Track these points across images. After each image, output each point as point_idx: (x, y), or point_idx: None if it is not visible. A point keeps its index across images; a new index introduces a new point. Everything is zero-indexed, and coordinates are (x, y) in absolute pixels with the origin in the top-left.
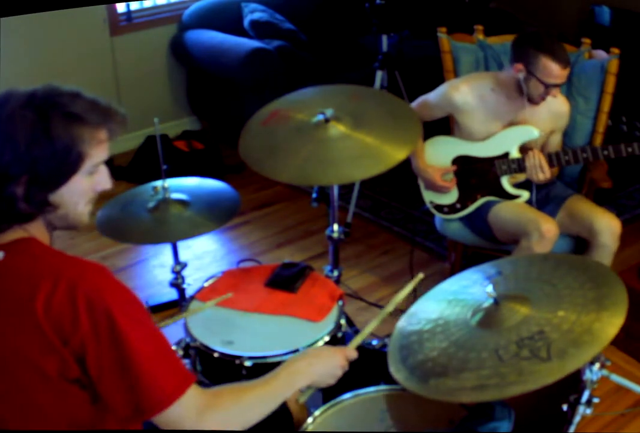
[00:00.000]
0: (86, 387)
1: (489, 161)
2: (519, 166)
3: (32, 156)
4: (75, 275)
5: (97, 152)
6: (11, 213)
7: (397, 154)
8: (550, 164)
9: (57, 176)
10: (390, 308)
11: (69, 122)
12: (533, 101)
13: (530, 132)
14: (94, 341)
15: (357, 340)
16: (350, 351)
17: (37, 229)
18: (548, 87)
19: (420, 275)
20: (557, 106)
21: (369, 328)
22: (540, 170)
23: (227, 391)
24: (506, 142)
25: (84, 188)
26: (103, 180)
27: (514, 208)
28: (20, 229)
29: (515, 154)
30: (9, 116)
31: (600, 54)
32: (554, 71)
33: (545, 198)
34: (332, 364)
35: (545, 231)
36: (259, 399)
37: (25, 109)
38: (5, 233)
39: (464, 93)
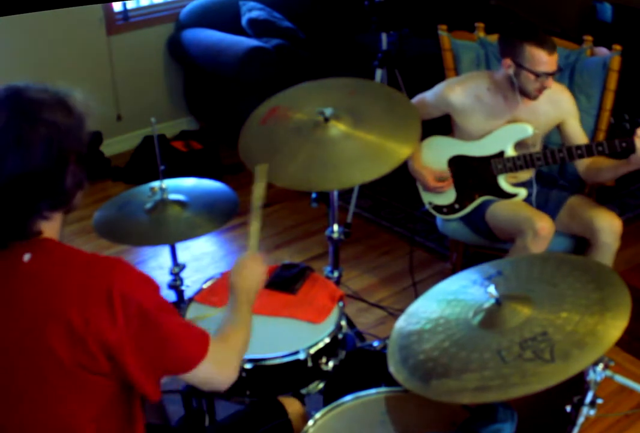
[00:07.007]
0: (114, 379)
1: (485, 160)
2: (515, 164)
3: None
4: (106, 275)
5: None
6: (56, 192)
7: (400, 152)
8: (545, 162)
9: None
10: (257, 203)
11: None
12: (530, 96)
13: (524, 130)
14: (131, 333)
15: (253, 242)
16: (258, 255)
17: (54, 224)
18: (539, 76)
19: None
20: (554, 94)
21: (254, 228)
22: None
23: (222, 338)
24: (501, 140)
25: None
26: None
27: (510, 207)
28: (42, 223)
29: (510, 152)
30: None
31: (602, 51)
32: (542, 57)
33: (547, 198)
34: (259, 272)
35: (540, 229)
36: (245, 330)
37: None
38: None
39: (459, 94)
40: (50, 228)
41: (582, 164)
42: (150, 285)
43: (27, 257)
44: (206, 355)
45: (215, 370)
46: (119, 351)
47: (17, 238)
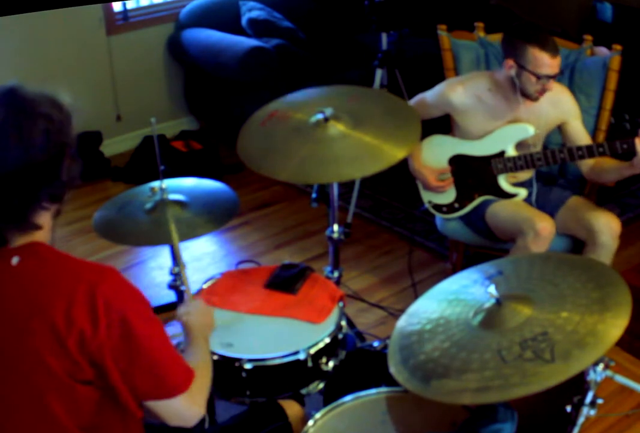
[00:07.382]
0: (100, 388)
1: (486, 160)
2: (515, 164)
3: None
4: (93, 279)
5: None
6: (55, 183)
7: (397, 153)
8: (546, 163)
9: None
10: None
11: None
12: (531, 97)
13: (525, 131)
14: (111, 343)
15: (187, 286)
16: (196, 298)
17: (46, 226)
18: (541, 78)
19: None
20: (554, 95)
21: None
22: None
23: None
24: (502, 140)
25: None
26: None
27: (510, 207)
28: (40, 216)
29: (511, 152)
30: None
31: (602, 50)
32: (544, 60)
33: (546, 197)
34: (206, 314)
35: (541, 230)
36: (209, 368)
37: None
38: (20, 236)
39: (460, 93)
40: (42, 229)
41: (586, 165)
42: (140, 301)
43: (15, 260)
44: (188, 389)
45: (190, 406)
46: (101, 357)
47: (17, 229)
